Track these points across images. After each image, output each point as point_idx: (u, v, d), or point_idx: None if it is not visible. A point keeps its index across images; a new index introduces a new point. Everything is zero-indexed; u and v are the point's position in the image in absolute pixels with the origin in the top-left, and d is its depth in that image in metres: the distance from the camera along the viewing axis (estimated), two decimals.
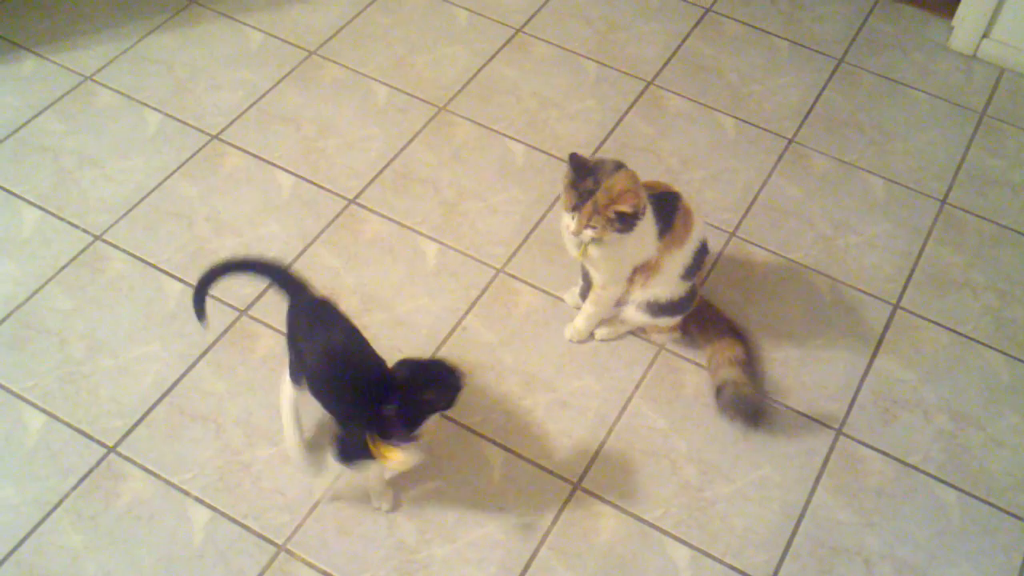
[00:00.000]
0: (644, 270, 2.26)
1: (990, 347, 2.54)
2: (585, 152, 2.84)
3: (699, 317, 2.45)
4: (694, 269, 2.30)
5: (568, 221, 2.14)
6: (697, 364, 2.45)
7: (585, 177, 2.10)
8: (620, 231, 2.11)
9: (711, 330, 2.43)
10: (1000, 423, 2.40)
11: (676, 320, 2.41)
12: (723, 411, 2.34)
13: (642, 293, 2.32)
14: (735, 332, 2.43)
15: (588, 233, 2.12)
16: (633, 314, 2.38)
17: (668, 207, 2.23)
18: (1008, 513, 2.26)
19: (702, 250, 2.30)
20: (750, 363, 2.39)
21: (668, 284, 2.29)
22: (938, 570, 2.16)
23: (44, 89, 2.94)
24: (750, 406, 2.32)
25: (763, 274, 2.65)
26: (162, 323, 2.45)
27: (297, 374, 2.09)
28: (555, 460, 2.28)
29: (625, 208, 2.08)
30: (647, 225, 2.18)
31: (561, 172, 2.78)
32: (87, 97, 2.93)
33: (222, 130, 2.87)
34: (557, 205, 2.24)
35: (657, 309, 2.34)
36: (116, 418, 2.29)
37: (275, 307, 2.49)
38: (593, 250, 2.19)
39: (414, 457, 1.97)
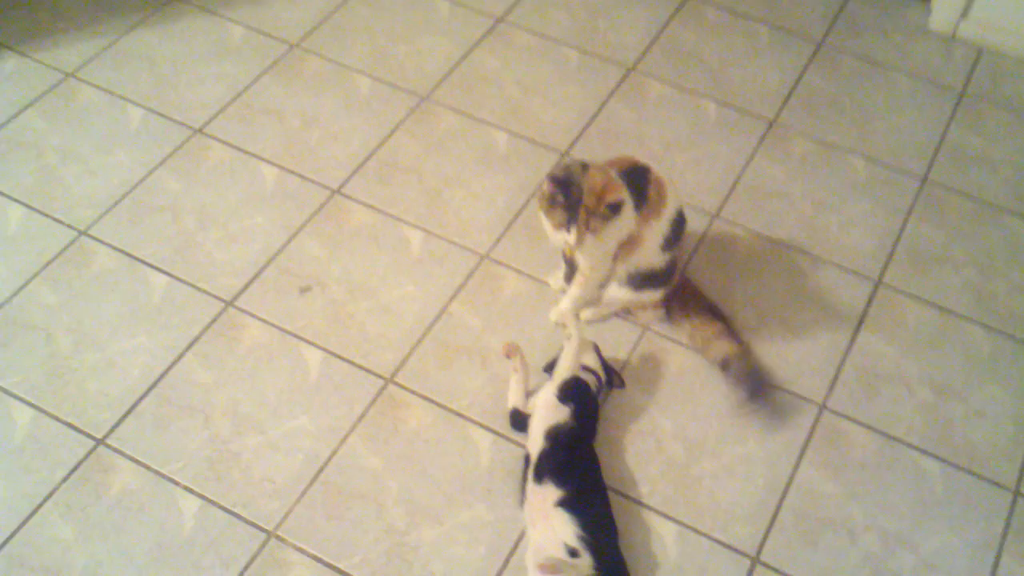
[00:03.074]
0: (627, 245, 2.28)
1: (971, 320, 2.56)
2: (566, 140, 2.88)
3: (680, 295, 2.47)
4: (673, 240, 2.32)
5: (565, 237, 2.18)
6: (681, 344, 2.47)
7: (568, 192, 2.13)
8: (613, 217, 2.16)
9: (690, 306, 2.45)
10: (981, 394, 2.42)
11: (659, 294, 2.42)
12: (735, 385, 2.36)
13: (624, 267, 2.34)
14: (713, 310, 2.46)
15: (589, 238, 2.17)
16: (617, 291, 2.40)
17: (639, 180, 2.25)
18: (989, 482, 2.28)
19: (679, 220, 2.32)
20: (733, 336, 2.42)
21: (649, 256, 2.31)
22: (921, 539, 2.18)
23: (26, 86, 2.95)
24: (758, 378, 2.36)
25: (746, 254, 2.67)
26: (148, 316, 2.46)
27: None
28: None
29: (615, 198, 2.13)
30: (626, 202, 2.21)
31: (544, 160, 2.82)
32: (69, 94, 2.94)
33: (205, 124, 2.88)
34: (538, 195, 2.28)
35: (639, 280, 2.36)
36: (104, 410, 2.30)
37: (260, 297, 2.50)
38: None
39: None
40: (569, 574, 1.99)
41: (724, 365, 2.38)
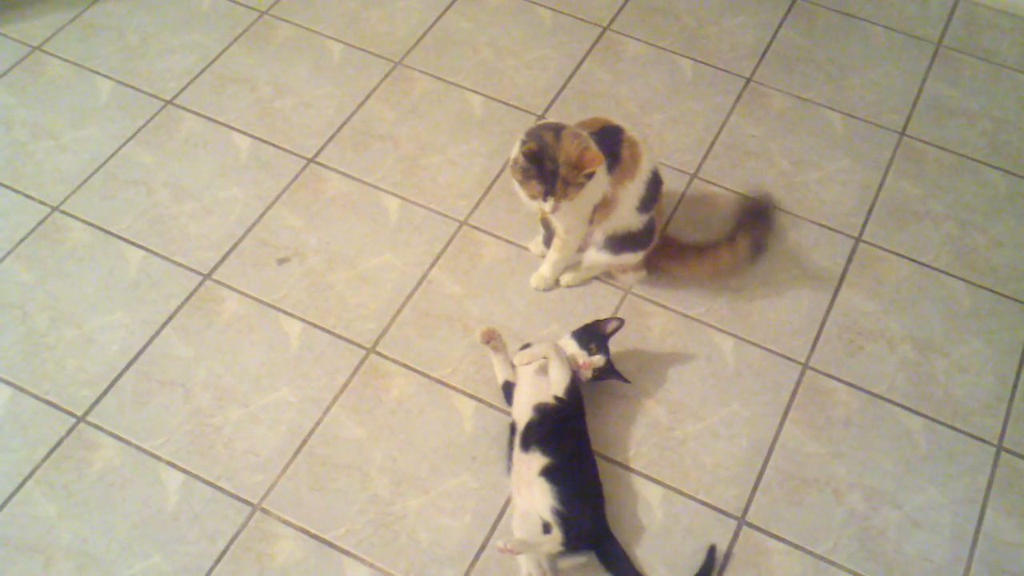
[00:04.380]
0: (602, 207, 2.26)
1: (951, 275, 2.57)
2: (542, 102, 2.85)
3: (667, 251, 2.47)
4: (649, 201, 2.30)
5: (542, 206, 2.16)
6: (662, 306, 2.47)
7: (542, 164, 2.10)
8: (587, 182, 2.14)
9: (684, 252, 2.47)
10: (963, 349, 2.43)
11: (639, 257, 2.41)
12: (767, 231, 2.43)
13: (601, 231, 2.32)
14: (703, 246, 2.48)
15: (564, 204, 2.15)
16: (596, 256, 2.39)
17: (612, 141, 2.23)
18: (973, 437, 2.29)
19: (655, 180, 2.31)
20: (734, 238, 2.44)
21: (626, 218, 2.30)
22: (906, 495, 2.20)
23: None
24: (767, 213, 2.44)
25: (725, 214, 2.65)
26: (125, 291, 2.44)
27: None
28: None
29: (594, 169, 2.11)
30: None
31: (520, 124, 2.80)
32: (37, 67, 2.89)
33: (176, 95, 2.84)
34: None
35: (617, 244, 2.35)
36: (84, 387, 2.28)
37: (238, 269, 2.48)
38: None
39: None
40: (530, 553, 2.00)
41: (756, 249, 2.40)
